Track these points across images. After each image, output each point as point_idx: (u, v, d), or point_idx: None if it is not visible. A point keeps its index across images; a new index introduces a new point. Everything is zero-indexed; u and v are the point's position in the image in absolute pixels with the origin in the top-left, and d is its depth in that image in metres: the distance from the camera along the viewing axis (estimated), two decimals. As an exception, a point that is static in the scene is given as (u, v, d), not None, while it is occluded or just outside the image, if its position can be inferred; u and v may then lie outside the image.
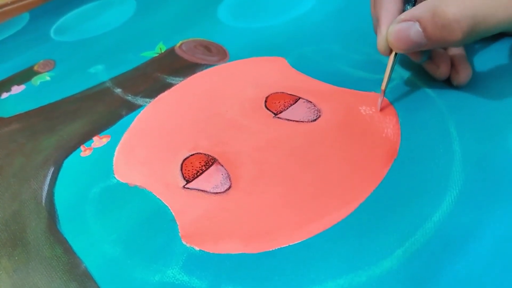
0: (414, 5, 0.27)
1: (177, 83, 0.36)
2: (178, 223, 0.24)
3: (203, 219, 0.24)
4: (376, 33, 0.28)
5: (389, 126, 0.27)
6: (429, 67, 0.29)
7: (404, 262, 0.19)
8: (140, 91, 0.36)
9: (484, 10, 0.22)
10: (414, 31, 0.24)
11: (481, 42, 0.32)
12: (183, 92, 0.35)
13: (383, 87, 0.27)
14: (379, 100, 0.28)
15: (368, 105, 0.29)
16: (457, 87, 0.28)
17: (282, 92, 0.31)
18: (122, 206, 0.26)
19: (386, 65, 0.27)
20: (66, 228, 0.25)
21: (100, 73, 0.40)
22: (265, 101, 0.31)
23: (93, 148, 0.31)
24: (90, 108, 0.36)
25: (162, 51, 0.41)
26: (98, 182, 0.28)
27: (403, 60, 0.32)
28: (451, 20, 0.22)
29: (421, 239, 0.20)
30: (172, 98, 0.34)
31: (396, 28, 0.25)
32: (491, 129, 0.25)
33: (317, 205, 0.23)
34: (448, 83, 0.29)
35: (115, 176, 0.28)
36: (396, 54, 0.27)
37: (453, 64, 0.28)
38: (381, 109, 0.28)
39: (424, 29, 0.24)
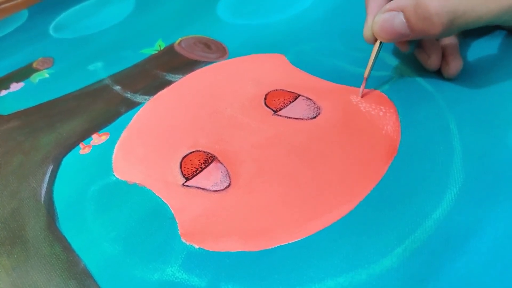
0: None
1: (177, 80, 0.36)
2: (177, 221, 0.24)
3: (202, 217, 0.24)
4: None
5: (389, 123, 0.27)
6: (420, 56, 0.29)
7: (404, 260, 0.19)
8: (139, 88, 0.36)
9: (464, 5, 0.23)
10: (398, 21, 0.25)
11: (480, 36, 0.32)
12: (183, 89, 0.34)
13: (365, 74, 0.28)
14: (361, 88, 0.29)
15: (368, 102, 0.28)
16: (452, 80, 0.28)
17: (282, 90, 0.31)
18: (121, 204, 0.26)
19: (385, 61, 0.27)
20: (65, 226, 0.25)
21: (99, 70, 0.40)
22: (265, 99, 0.31)
23: (92, 145, 0.31)
24: (89, 106, 0.35)
25: (161, 48, 0.41)
26: (97, 180, 0.28)
27: (403, 56, 0.32)
28: (431, 13, 0.23)
29: (421, 237, 0.20)
30: (171, 96, 0.34)
31: (381, 17, 0.25)
32: (491, 125, 0.25)
33: (317, 203, 0.23)
34: (448, 79, 0.28)
35: (114, 173, 0.28)
36: (381, 43, 0.27)
37: (444, 55, 0.29)
38: (381, 106, 0.28)
39: (407, 20, 0.24)
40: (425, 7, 0.23)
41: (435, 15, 0.23)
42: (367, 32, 0.28)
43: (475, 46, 0.31)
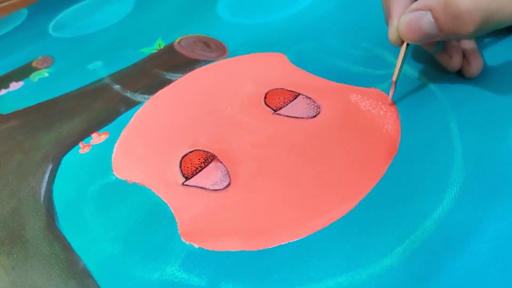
0: None
1: (176, 80, 0.36)
2: (177, 220, 0.24)
3: (202, 216, 0.24)
4: (387, 24, 0.28)
5: (389, 122, 0.26)
6: (442, 58, 0.29)
7: (404, 260, 0.19)
8: (139, 88, 0.36)
9: (497, 3, 0.21)
10: (426, 21, 0.23)
11: (488, 36, 0.31)
12: (182, 88, 0.34)
13: (394, 78, 0.27)
14: (390, 93, 0.28)
15: (368, 101, 0.28)
16: (462, 81, 0.28)
17: (282, 88, 0.31)
18: (121, 204, 0.26)
19: (386, 60, 0.27)
20: (65, 225, 0.25)
21: (98, 69, 0.40)
22: (265, 98, 0.31)
23: (92, 145, 0.31)
24: (89, 105, 0.35)
25: (161, 47, 0.41)
26: (97, 179, 0.28)
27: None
28: (463, 11, 0.22)
29: (421, 236, 0.20)
30: (171, 95, 0.34)
31: (407, 18, 0.24)
32: (491, 125, 0.25)
33: (317, 202, 0.23)
34: (449, 77, 0.28)
35: (114, 173, 0.28)
36: (408, 44, 0.26)
37: (464, 56, 0.28)
38: (381, 104, 0.28)
39: (436, 20, 0.23)
40: (456, 5, 0.22)
41: (466, 13, 0.22)
42: (392, 34, 0.26)
43: (481, 45, 0.31)
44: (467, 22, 0.22)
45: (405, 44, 0.26)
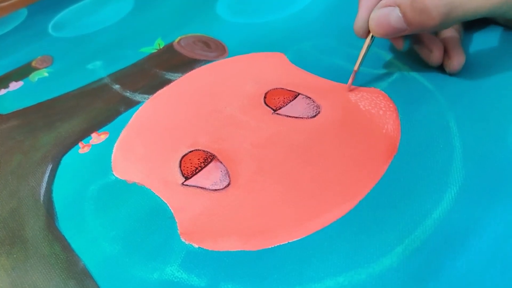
0: None
1: (176, 79, 0.36)
2: (177, 220, 0.24)
3: (202, 216, 0.24)
4: None
5: (389, 122, 0.26)
6: (422, 52, 0.29)
7: (404, 260, 0.19)
8: (139, 87, 0.36)
9: None
10: (395, 16, 0.25)
11: (479, 32, 0.32)
12: (182, 88, 0.34)
13: (355, 68, 0.28)
14: (349, 80, 0.29)
15: (368, 101, 0.28)
16: (452, 78, 0.28)
17: (281, 88, 0.31)
18: (120, 204, 0.26)
19: (385, 59, 0.27)
20: (65, 225, 0.25)
21: (98, 69, 0.40)
22: (264, 97, 0.31)
23: (92, 145, 0.31)
24: (89, 105, 0.35)
25: (161, 47, 0.41)
26: (97, 179, 0.28)
27: (402, 53, 0.31)
28: (428, 5, 0.23)
29: (421, 236, 0.20)
30: (170, 94, 0.34)
31: (377, 14, 0.25)
32: (491, 123, 0.25)
33: (317, 202, 0.23)
34: (448, 76, 0.28)
35: (114, 173, 0.28)
36: (372, 36, 0.27)
37: (446, 50, 0.28)
38: (381, 104, 0.28)
39: (403, 14, 0.24)
40: (421, 0, 0.23)
41: (432, 7, 0.23)
42: (357, 25, 0.28)
43: (475, 43, 0.31)
44: (433, 15, 0.23)
45: (370, 36, 0.27)
